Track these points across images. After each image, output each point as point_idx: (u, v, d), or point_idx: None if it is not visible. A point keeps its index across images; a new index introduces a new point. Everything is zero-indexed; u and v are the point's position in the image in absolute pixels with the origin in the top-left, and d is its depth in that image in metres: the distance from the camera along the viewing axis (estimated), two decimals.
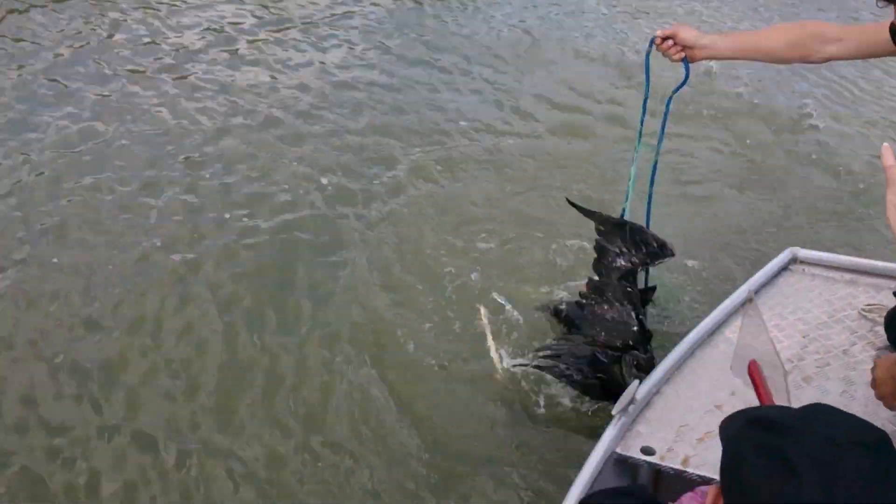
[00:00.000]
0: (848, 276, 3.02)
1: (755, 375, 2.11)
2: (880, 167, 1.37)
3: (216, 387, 3.06)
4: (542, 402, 3.02)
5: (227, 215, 4.02)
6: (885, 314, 2.68)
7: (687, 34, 2.46)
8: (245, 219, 4.00)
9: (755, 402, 2.37)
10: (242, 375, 3.12)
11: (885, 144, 1.39)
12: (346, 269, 3.71)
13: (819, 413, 1.11)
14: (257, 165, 4.44)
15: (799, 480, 1.00)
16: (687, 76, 2.58)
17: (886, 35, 2.20)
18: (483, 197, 4.34)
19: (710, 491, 1.17)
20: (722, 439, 1.16)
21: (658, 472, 2.28)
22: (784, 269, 3.09)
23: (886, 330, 2.53)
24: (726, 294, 2.91)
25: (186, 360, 3.19)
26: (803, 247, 3.15)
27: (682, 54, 2.49)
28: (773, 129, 5.44)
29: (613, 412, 2.26)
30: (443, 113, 5.22)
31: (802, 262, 3.12)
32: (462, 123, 5.10)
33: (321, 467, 2.76)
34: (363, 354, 3.24)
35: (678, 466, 2.16)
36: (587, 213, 3.00)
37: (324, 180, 4.36)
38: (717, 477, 2.07)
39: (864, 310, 2.79)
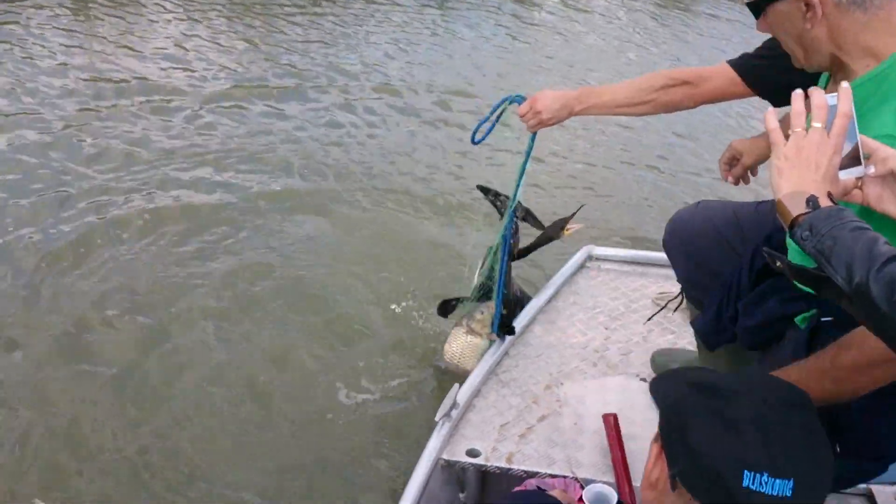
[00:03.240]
0: (639, 268, 3.24)
1: (611, 430, 2.21)
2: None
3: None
4: (364, 410, 3.01)
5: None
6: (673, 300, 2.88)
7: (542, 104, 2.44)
8: None
9: (567, 392, 2.49)
10: None
11: (771, 109, 1.41)
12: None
13: (751, 377, 1.20)
14: None
15: (742, 439, 1.07)
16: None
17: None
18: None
19: (653, 449, 1.19)
20: (661, 404, 1.21)
21: (485, 473, 2.32)
22: (581, 266, 3.26)
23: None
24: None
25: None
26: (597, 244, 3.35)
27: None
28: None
29: (437, 418, 2.27)
30: None
31: (597, 258, 3.31)
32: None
33: None
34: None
35: (503, 465, 2.20)
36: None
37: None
38: (540, 469, 2.16)
39: (656, 298, 2.99)
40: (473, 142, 2.59)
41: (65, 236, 3.92)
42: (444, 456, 2.22)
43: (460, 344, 2.83)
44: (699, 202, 2.35)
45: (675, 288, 3.01)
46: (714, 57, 8.71)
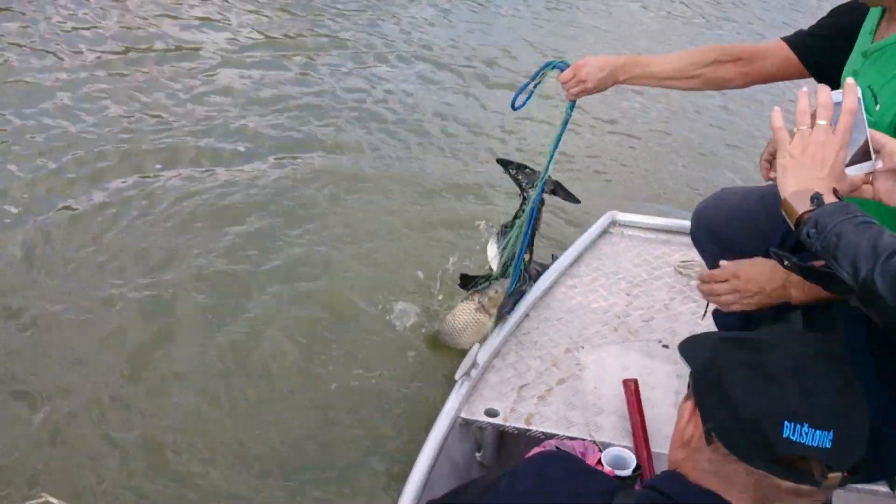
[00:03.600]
0: (663, 235, 3.21)
1: (630, 396, 2.20)
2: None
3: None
4: (389, 371, 3.03)
5: None
6: (697, 269, 2.86)
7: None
8: None
9: (587, 356, 2.48)
10: None
11: (776, 108, 1.40)
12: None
13: (786, 331, 1.20)
14: None
15: (781, 390, 1.06)
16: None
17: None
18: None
19: (685, 409, 1.18)
20: (693, 361, 1.19)
21: (502, 433, 2.33)
22: (605, 232, 3.24)
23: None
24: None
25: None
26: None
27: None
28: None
29: (456, 377, 2.27)
30: None
31: (621, 224, 3.28)
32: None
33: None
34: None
35: (521, 425, 2.20)
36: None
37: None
38: (558, 432, 2.16)
39: (679, 266, 2.97)
40: (513, 107, 2.51)
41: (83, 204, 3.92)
42: (463, 415, 2.23)
43: (466, 319, 2.81)
44: (722, 190, 2.31)
45: (699, 257, 3.02)
46: (771, 33, 8.45)
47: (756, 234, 2.06)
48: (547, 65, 2.47)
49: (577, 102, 2.47)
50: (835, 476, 1.05)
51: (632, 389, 2.23)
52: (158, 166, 4.32)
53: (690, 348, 1.24)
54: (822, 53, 2.10)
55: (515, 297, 2.70)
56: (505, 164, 2.88)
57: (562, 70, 2.40)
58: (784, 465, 1.05)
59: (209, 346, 3.10)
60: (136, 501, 2.48)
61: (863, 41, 1.84)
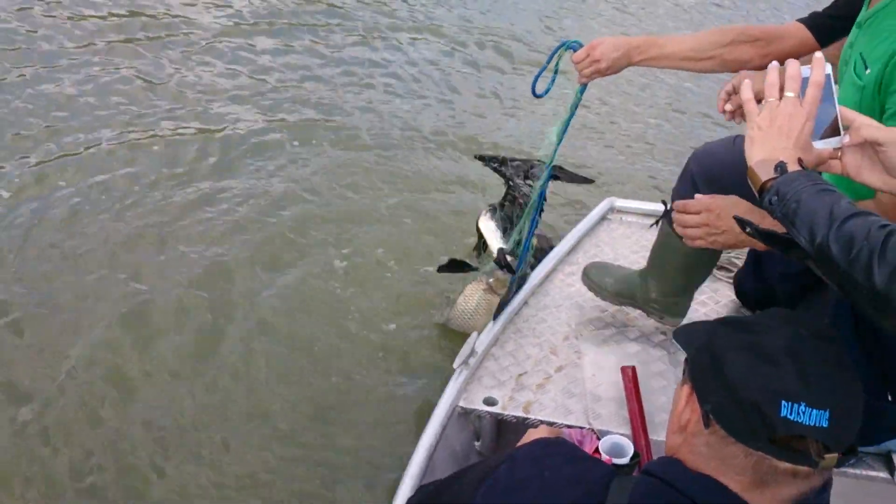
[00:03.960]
0: None
1: (628, 383, 2.20)
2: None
3: None
4: (388, 357, 3.03)
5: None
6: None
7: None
8: None
9: (586, 343, 2.48)
10: None
11: (746, 80, 1.43)
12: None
13: (781, 314, 1.20)
14: None
15: (778, 370, 1.07)
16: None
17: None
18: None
19: (681, 395, 1.19)
20: (689, 346, 1.20)
21: (500, 422, 2.33)
22: (603, 218, 3.23)
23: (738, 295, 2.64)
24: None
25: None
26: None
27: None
28: None
29: (455, 366, 2.27)
30: None
31: (619, 210, 3.27)
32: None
33: None
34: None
35: (520, 414, 2.20)
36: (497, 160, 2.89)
37: None
38: (556, 420, 2.16)
39: None
40: (534, 94, 2.46)
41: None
42: (461, 403, 2.23)
43: (478, 300, 2.81)
44: (736, 136, 2.26)
45: None
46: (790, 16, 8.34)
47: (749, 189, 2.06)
48: (561, 45, 2.40)
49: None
50: (831, 456, 1.06)
51: (629, 376, 2.22)
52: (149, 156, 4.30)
53: (685, 334, 1.25)
54: (838, 33, 2.09)
55: (519, 282, 2.70)
56: (484, 158, 2.85)
57: (575, 50, 2.34)
58: (782, 446, 1.06)
59: (204, 334, 3.12)
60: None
61: (860, 14, 1.85)
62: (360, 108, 5.00)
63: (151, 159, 4.16)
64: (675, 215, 1.96)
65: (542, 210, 2.72)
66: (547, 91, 2.44)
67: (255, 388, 2.90)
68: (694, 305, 2.68)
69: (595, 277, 2.57)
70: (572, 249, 2.98)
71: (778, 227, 1.32)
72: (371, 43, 5.94)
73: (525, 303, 2.66)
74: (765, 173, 1.32)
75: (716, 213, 1.86)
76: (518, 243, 2.70)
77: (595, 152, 4.97)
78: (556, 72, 2.43)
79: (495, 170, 2.83)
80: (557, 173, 2.76)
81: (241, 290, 3.36)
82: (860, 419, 1.11)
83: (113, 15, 5.63)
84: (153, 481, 2.53)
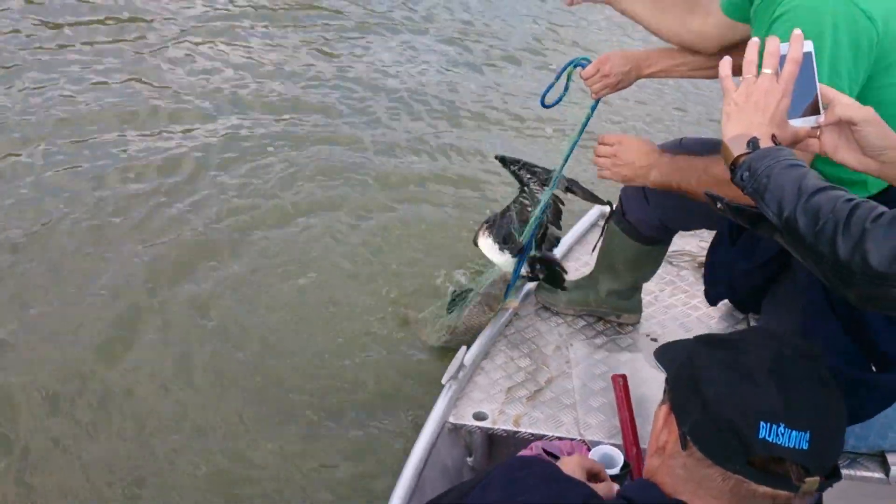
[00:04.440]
0: None
1: (619, 392, 2.19)
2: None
3: None
4: (370, 373, 3.00)
5: None
6: (687, 259, 2.87)
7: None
8: None
9: (576, 353, 2.46)
10: None
11: (726, 57, 1.42)
12: None
13: (762, 331, 1.18)
14: None
15: (758, 390, 1.03)
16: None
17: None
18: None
19: (660, 415, 1.16)
20: (669, 366, 1.17)
21: (492, 436, 2.31)
22: (593, 225, 3.21)
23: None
24: None
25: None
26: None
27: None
28: None
29: (443, 381, 2.25)
30: None
31: None
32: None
33: None
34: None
35: (510, 427, 2.19)
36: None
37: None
38: (547, 432, 2.14)
39: (669, 257, 2.93)
40: (543, 105, 2.44)
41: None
42: (451, 419, 2.21)
43: (481, 318, 2.75)
44: (682, 138, 2.29)
45: (689, 246, 2.99)
46: None
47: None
48: (569, 63, 2.37)
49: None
50: (812, 480, 1.02)
51: (620, 385, 2.20)
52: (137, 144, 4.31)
53: (666, 353, 1.21)
54: None
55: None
56: (506, 161, 2.78)
57: (583, 67, 2.32)
58: (760, 469, 1.02)
59: (192, 346, 3.09)
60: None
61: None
62: (347, 114, 4.95)
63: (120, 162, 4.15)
64: (595, 146, 2.14)
65: (545, 221, 2.68)
66: (557, 102, 2.42)
67: (240, 405, 2.86)
68: (685, 310, 2.68)
69: (547, 292, 2.64)
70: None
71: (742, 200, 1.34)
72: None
73: (515, 314, 2.65)
74: (737, 148, 1.32)
75: (625, 146, 2.06)
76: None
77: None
78: (566, 88, 2.39)
79: (513, 173, 2.76)
80: (572, 187, 2.69)
81: (229, 300, 3.34)
82: (843, 442, 1.08)
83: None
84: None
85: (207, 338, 3.13)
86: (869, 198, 1.23)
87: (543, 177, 2.67)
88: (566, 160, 2.50)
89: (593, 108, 2.39)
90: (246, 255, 3.59)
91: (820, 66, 1.40)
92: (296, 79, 5.20)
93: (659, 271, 2.82)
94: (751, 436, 1.01)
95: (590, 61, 2.32)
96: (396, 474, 2.08)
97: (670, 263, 2.90)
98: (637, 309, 2.60)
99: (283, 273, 3.50)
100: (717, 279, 2.20)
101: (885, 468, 2.01)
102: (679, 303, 2.70)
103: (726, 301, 2.64)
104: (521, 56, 5.88)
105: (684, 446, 1.08)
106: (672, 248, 2.94)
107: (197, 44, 5.50)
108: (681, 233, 2.83)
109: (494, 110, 5.10)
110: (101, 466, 2.60)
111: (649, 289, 2.76)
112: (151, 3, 5.94)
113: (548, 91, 2.41)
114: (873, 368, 1.80)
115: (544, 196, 2.57)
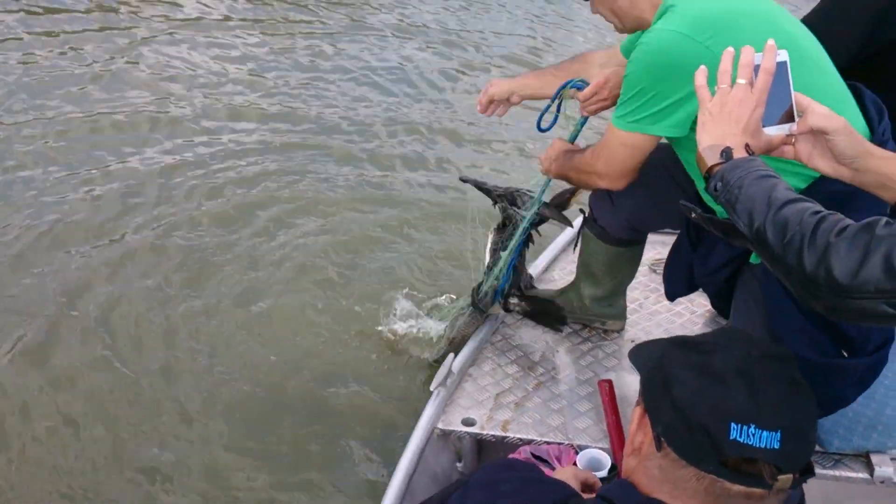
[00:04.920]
0: None
1: (605, 396, 2.22)
2: None
3: None
4: (364, 385, 3.00)
5: None
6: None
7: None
8: None
9: (563, 359, 2.49)
10: None
11: (701, 66, 1.45)
12: None
13: (732, 333, 1.21)
14: None
15: (728, 391, 1.05)
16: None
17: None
18: None
19: (634, 416, 1.18)
20: (642, 367, 1.19)
21: (481, 442, 2.33)
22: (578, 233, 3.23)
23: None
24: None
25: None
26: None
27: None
28: None
29: (432, 388, 2.27)
30: None
31: None
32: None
33: None
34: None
35: (498, 433, 2.20)
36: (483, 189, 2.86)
37: None
38: (535, 437, 2.16)
39: (652, 265, 2.97)
40: (539, 129, 2.45)
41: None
42: (440, 425, 2.23)
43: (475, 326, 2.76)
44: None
45: None
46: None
47: (676, 183, 2.16)
48: (565, 85, 2.36)
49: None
50: (785, 478, 1.04)
51: (606, 390, 2.24)
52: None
53: (640, 355, 1.23)
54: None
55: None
56: (468, 181, 2.78)
57: (580, 90, 2.33)
58: (733, 469, 1.04)
59: (176, 352, 3.11)
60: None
61: None
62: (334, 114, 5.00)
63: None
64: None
65: (530, 241, 2.70)
66: (550, 127, 2.43)
67: (225, 413, 2.87)
68: (669, 316, 2.70)
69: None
70: (548, 267, 3.00)
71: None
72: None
73: (502, 322, 2.67)
74: (711, 158, 1.35)
75: (551, 145, 2.35)
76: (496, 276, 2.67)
77: None
78: (558, 111, 2.41)
79: (484, 191, 2.77)
80: (543, 211, 2.67)
81: (215, 310, 3.34)
82: (815, 440, 1.10)
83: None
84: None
85: (190, 353, 3.13)
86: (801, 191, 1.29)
87: (508, 197, 2.66)
88: (546, 186, 2.53)
89: (582, 125, 2.41)
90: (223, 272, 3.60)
91: None
92: (272, 89, 5.24)
93: (643, 279, 2.87)
94: (722, 437, 1.03)
95: (586, 83, 2.31)
96: (386, 481, 2.09)
97: (654, 272, 2.93)
98: (621, 316, 2.63)
99: (258, 293, 3.49)
100: (675, 278, 2.25)
101: (870, 469, 2.04)
102: (663, 309, 2.73)
103: (709, 307, 2.69)
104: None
105: (659, 447, 1.09)
106: (656, 256, 3.00)
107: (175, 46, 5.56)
108: (663, 241, 2.88)
109: (473, 127, 5.12)
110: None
111: (634, 296, 2.79)
112: None
113: (543, 114, 2.42)
114: (845, 354, 1.84)
115: (526, 220, 2.59)
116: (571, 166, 2.23)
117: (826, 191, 1.58)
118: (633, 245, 2.50)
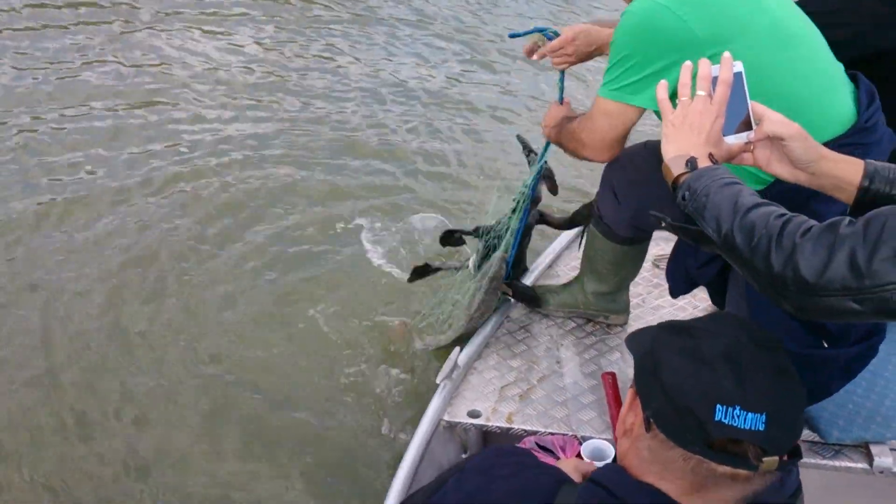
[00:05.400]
0: None
1: (609, 388, 2.25)
2: None
3: None
4: (369, 372, 3.04)
5: None
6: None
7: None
8: None
9: (567, 352, 2.52)
10: None
11: (662, 80, 1.50)
12: None
13: (724, 319, 1.23)
14: None
15: (714, 374, 1.09)
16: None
17: None
18: None
19: (627, 397, 1.22)
20: (635, 352, 1.22)
21: (486, 433, 2.36)
22: (583, 229, 3.27)
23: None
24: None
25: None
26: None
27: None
28: None
29: (438, 380, 2.30)
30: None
31: None
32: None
33: None
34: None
35: (503, 424, 2.24)
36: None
37: None
38: (540, 428, 2.19)
39: (655, 260, 3.00)
40: (511, 35, 2.53)
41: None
42: (446, 417, 2.26)
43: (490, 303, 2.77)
44: (646, 141, 2.34)
45: None
46: None
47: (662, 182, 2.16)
48: (536, 29, 2.43)
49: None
50: (771, 459, 1.07)
51: (610, 382, 2.27)
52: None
53: (634, 339, 1.26)
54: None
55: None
56: (523, 142, 2.81)
57: (549, 39, 2.38)
58: (719, 450, 1.07)
59: (187, 337, 3.16)
60: None
61: None
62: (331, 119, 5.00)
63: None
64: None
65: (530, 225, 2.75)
66: (519, 35, 2.48)
67: (230, 404, 2.91)
68: (672, 311, 2.73)
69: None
70: (553, 262, 3.03)
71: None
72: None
73: (507, 316, 2.70)
74: (677, 168, 1.40)
75: (548, 110, 2.37)
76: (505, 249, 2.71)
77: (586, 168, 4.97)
78: (529, 32, 2.45)
79: (527, 156, 2.80)
80: (547, 174, 2.73)
81: (224, 297, 3.39)
82: (801, 426, 1.13)
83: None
84: None
85: (199, 359, 3.15)
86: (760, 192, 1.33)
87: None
88: (546, 150, 2.59)
89: (562, 81, 2.49)
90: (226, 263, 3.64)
91: None
92: (273, 79, 5.27)
93: (646, 274, 2.90)
94: (707, 419, 1.06)
95: (557, 34, 2.37)
96: (392, 473, 2.13)
97: (657, 267, 2.96)
98: (625, 310, 2.66)
99: (261, 291, 3.52)
100: (677, 275, 2.28)
101: (869, 459, 2.07)
102: (666, 304, 2.76)
103: (711, 304, 2.72)
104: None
105: (648, 429, 1.13)
106: (660, 252, 3.03)
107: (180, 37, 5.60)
108: (666, 237, 2.91)
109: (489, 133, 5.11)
110: None
111: (637, 291, 2.82)
112: None
113: (517, 35, 2.48)
114: (825, 345, 1.88)
115: (528, 187, 2.67)
116: (564, 133, 2.23)
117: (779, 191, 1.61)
118: (638, 243, 2.52)
